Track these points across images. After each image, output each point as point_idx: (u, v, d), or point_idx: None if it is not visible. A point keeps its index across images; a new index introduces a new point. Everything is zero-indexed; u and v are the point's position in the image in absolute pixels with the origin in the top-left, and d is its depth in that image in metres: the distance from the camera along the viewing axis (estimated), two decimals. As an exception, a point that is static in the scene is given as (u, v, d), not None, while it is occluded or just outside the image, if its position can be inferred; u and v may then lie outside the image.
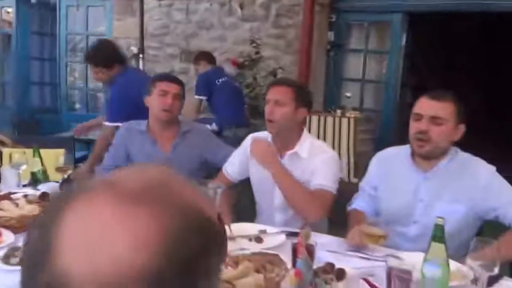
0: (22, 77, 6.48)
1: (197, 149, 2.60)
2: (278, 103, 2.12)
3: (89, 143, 4.18)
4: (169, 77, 2.70)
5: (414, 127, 1.93)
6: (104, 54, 3.25)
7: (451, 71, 7.57)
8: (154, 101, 2.54)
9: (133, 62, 5.35)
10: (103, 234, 0.48)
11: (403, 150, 2.07)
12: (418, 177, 1.99)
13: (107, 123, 3.19)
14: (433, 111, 1.88)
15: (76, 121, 5.95)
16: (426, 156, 1.95)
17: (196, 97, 4.82)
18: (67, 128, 5.56)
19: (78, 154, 3.99)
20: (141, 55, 4.57)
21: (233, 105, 4.73)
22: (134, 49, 5.24)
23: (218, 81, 4.76)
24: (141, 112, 2.68)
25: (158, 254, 0.48)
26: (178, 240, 0.50)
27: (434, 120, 1.87)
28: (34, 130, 5.80)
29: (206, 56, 4.98)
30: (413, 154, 2.01)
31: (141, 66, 4.60)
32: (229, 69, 4.95)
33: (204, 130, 2.82)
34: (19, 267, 1.48)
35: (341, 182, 2.21)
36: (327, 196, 2.08)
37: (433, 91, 1.97)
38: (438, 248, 1.44)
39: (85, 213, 0.50)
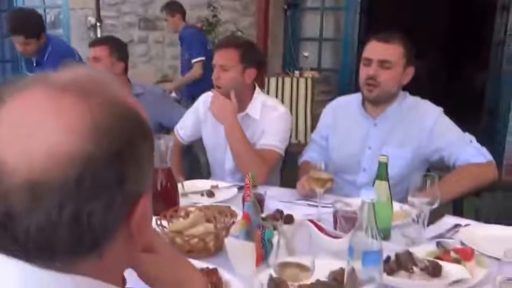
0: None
1: (149, 113, 2.58)
2: (223, 68, 2.07)
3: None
4: (92, 43, 2.72)
5: (363, 72, 1.96)
6: (34, 24, 3.08)
7: (413, 32, 7.64)
8: None
9: (91, 34, 5.20)
10: (35, 122, 0.50)
11: (355, 98, 2.10)
12: (368, 124, 2.03)
13: None
14: (382, 55, 1.91)
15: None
16: (375, 101, 1.98)
17: (196, 60, 4.39)
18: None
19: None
20: (98, 24, 4.42)
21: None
22: (92, 20, 5.07)
23: (208, 47, 4.47)
24: None
25: (87, 140, 0.50)
26: (107, 128, 0.52)
27: (383, 64, 1.91)
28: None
29: (180, 9, 4.58)
30: (363, 101, 2.04)
31: (99, 34, 4.47)
32: None
33: (157, 94, 2.78)
34: None
35: (297, 144, 2.21)
36: (273, 156, 2.08)
37: (381, 33, 1.98)
38: (381, 186, 1.49)
39: (18, 105, 0.52)
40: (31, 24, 3.05)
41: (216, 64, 2.10)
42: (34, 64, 3.20)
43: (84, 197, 0.50)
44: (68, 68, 0.57)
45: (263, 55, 2.38)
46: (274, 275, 1.13)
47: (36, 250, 0.51)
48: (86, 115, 0.51)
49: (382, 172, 1.49)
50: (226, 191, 1.93)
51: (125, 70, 2.66)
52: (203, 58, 4.39)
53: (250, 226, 1.32)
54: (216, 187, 1.96)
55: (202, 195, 1.87)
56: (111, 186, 0.52)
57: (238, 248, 1.30)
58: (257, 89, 2.21)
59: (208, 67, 3.29)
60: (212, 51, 2.37)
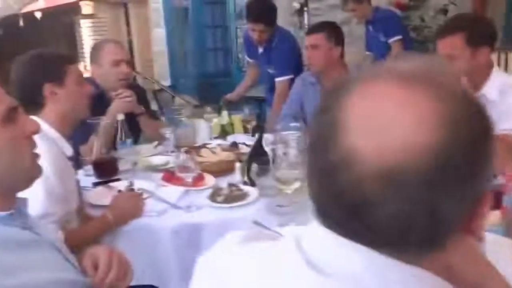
0: (199, 45, 7.13)
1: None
2: (451, 58, 1.88)
3: (261, 101, 4.46)
4: (307, 31, 2.79)
5: None
6: (272, 13, 3.36)
7: None
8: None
9: (295, 18, 5.45)
10: (388, 111, 0.51)
11: None
12: None
13: (281, 78, 3.34)
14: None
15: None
16: None
17: (393, 39, 4.32)
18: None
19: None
20: (305, 9, 4.61)
21: None
22: (297, 5, 5.33)
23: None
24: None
25: (442, 132, 0.49)
26: (460, 119, 0.50)
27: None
28: (211, 92, 6.38)
29: None
30: None
31: (305, 21, 4.67)
32: None
33: None
34: (223, 204, 1.74)
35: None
36: None
37: None
38: None
39: (369, 95, 0.53)
40: (270, 13, 3.31)
41: (443, 54, 1.93)
42: (261, 51, 3.50)
43: (439, 190, 0.49)
44: (408, 58, 0.56)
45: (492, 26, 2.15)
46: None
47: (388, 239, 0.52)
48: (439, 106, 0.50)
49: None
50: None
51: (342, 55, 2.74)
52: (400, 36, 4.34)
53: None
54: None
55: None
56: (464, 180, 0.50)
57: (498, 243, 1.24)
58: (495, 67, 2.03)
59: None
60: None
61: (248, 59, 3.91)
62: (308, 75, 2.83)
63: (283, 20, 5.76)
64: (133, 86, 2.70)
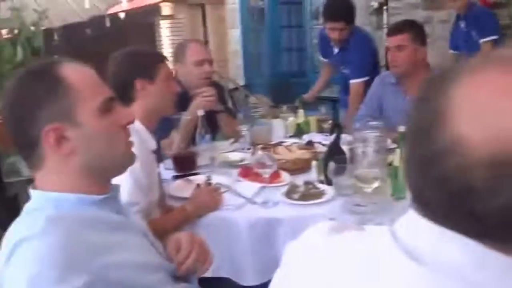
0: (274, 45, 7.18)
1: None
2: None
3: (334, 101, 4.41)
4: (389, 31, 2.66)
5: None
6: (352, 11, 3.29)
7: None
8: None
9: (372, 18, 5.33)
10: (496, 102, 0.50)
11: None
12: None
13: (356, 81, 3.29)
14: None
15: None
16: None
17: (486, 39, 4.01)
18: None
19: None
20: (385, 8, 4.50)
21: None
22: (375, 4, 5.22)
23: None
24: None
25: None
26: None
27: None
28: (285, 92, 6.40)
29: None
30: None
31: (384, 20, 4.56)
32: None
33: None
34: (299, 202, 1.74)
35: None
36: None
37: None
38: None
39: (476, 84, 0.52)
40: (350, 11, 3.26)
41: None
42: (336, 51, 3.47)
43: None
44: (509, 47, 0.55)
45: None
46: None
47: (490, 230, 0.51)
48: None
49: None
50: None
51: (425, 55, 2.64)
52: (496, 37, 4.01)
53: None
54: None
55: None
56: None
57: None
58: None
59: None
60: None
61: (322, 59, 3.89)
62: (388, 75, 2.75)
63: (359, 19, 5.63)
64: (213, 84, 2.77)
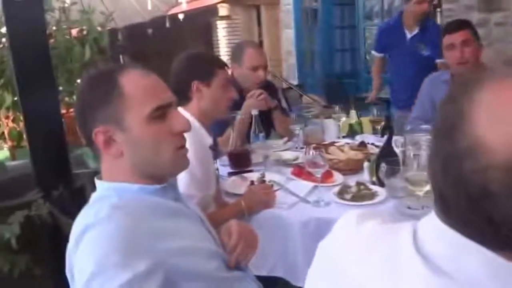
0: (327, 45, 7.19)
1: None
2: None
3: (387, 102, 4.33)
4: (450, 29, 2.58)
5: None
6: None
7: None
8: (446, 56, 2.56)
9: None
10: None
11: None
12: None
13: (442, 60, 3.16)
14: None
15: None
16: None
17: None
18: (366, 89, 5.92)
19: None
20: (438, 10, 4.40)
21: None
22: (429, 5, 5.12)
23: None
24: None
25: None
26: None
27: None
28: (338, 92, 6.38)
29: None
30: None
31: (438, 21, 4.46)
32: None
33: None
34: (351, 202, 1.77)
35: None
36: None
37: None
38: None
39: (500, 90, 0.54)
40: None
41: None
42: (410, 36, 3.48)
43: None
44: None
45: None
46: None
47: (508, 236, 0.51)
48: None
49: None
50: None
51: None
52: None
53: None
54: None
55: None
56: None
57: None
58: None
59: None
60: None
61: (376, 54, 3.88)
62: (441, 74, 2.72)
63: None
64: (267, 84, 2.85)
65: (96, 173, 1.16)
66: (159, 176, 1.11)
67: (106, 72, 1.10)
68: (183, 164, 1.15)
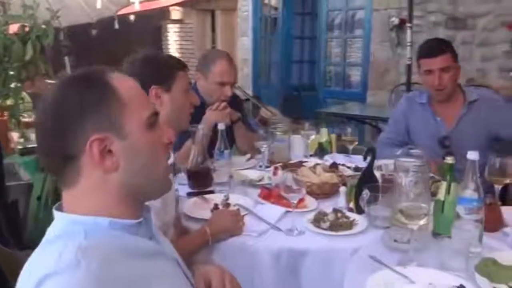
0: (286, 56, 7.05)
1: (483, 123, 2.37)
2: None
3: (359, 121, 4.20)
4: (429, 53, 2.38)
5: None
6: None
7: None
8: (423, 79, 2.42)
9: (392, 35, 5.23)
10: None
11: None
12: None
13: None
14: None
15: (331, 97, 6.18)
16: None
17: None
18: (323, 104, 5.82)
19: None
20: (409, 25, 4.40)
21: None
22: (395, 20, 5.13)
23: None
24: None
25: None
26: None
27: None
28: (295, 105, 6.26)
29: None
30: None
31: (408, 38, 4.45)
32: None
33: (493, 100, 2.51)
34: (329, 232, 1.59)
35: None
36: None
37: None
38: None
39: None
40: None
41: None
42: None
43: None
44: None
45: None
46: None
47: None
48: None
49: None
50: None
51: None
52: None
53: None
54: None
55: None
56: None
57: None
58: None
59: None
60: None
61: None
62: (417, 95, 2.59)
63: (378, 35, 5.55)
64: (232, 95, 2.64)
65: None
66: (146, 194, 1.00)
67: (93, 74, 0.96)
68: (169, 183, 1.06)
